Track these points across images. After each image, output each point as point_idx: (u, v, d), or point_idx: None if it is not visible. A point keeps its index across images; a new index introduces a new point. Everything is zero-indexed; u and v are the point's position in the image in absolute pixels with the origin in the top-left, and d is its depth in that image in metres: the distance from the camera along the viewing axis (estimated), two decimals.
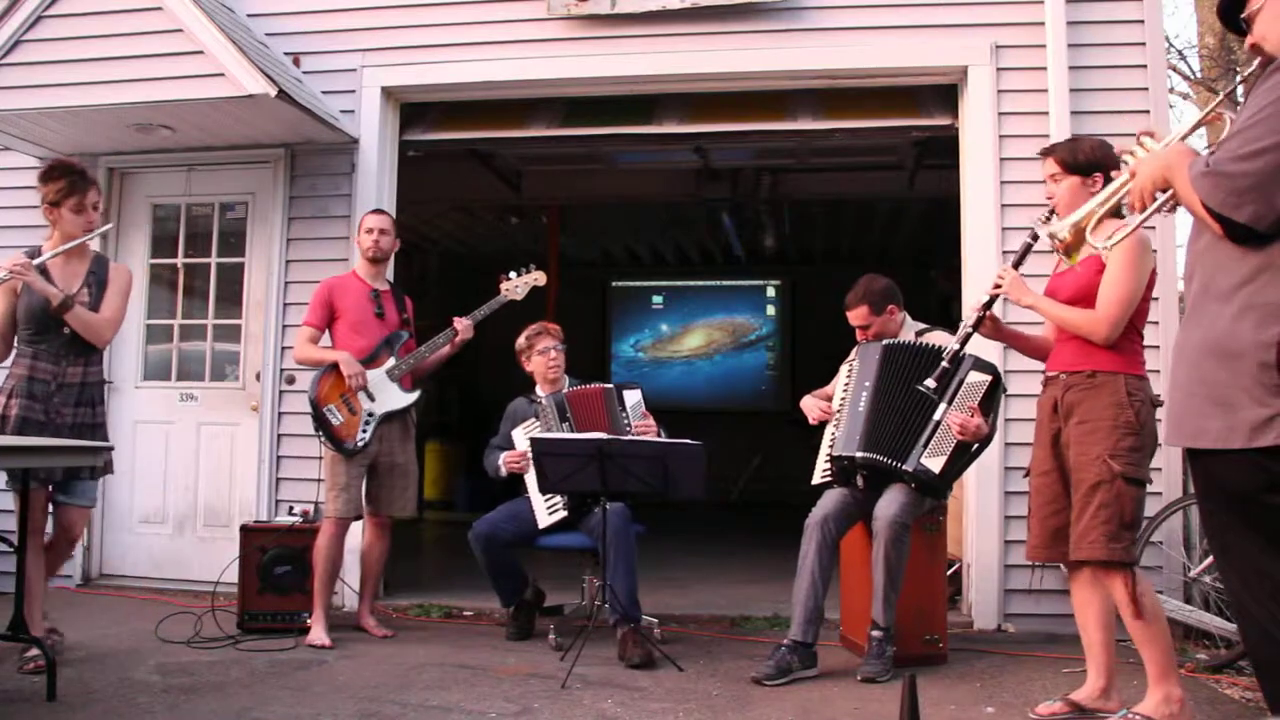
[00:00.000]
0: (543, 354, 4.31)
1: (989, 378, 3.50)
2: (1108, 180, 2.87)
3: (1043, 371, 3.12)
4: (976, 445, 3.53)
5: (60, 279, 3.55)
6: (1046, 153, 3.12)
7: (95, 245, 3.78)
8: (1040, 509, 3.07)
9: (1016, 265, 3.13)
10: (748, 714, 3.11)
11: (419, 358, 4.24)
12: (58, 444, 3.36)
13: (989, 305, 3.20)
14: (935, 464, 3.49)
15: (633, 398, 4.21)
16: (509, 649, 4.01)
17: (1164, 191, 2.17)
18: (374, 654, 3.86)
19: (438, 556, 7.20)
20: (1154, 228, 2.61)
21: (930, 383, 3.36)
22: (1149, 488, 2.97)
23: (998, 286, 3.14)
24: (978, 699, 3.28)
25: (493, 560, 4.07)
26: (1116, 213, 2.68)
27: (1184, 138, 2.24)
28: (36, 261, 3.49)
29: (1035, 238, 3.11)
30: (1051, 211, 3.06)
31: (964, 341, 3.29)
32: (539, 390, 4.35)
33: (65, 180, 3.55)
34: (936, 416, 3.50)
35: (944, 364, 3.35)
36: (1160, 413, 2.86)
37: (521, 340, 4.38)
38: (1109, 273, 2.90)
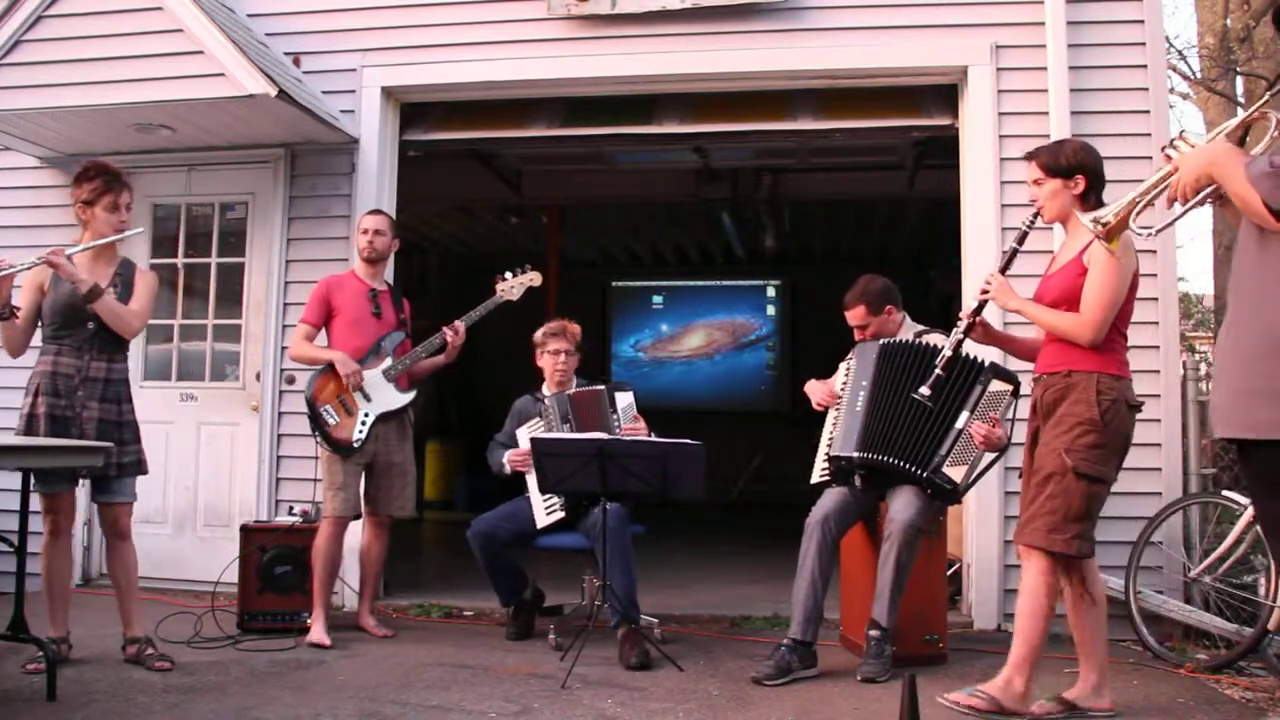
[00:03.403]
0: (553, 354, 4.30)
1: (1010, 387, 3.47)
2: (1090, 182, 2.98)
3: None
4: (994, 455, 3.53)
5: (88, 276, 3.53)
6: (1030, 156, 3.14)
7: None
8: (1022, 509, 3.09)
9: (1004, 270, 3.15)
10: (748, 714, 3.11)
11: (415, 358, 4.25)
12: (58, 444, 3.36)
13: (978, 310, 3.20)
14: (957, 473, 3.49)
15: (624, 400, 4.22)
16: (509, 649, 4.01)
17: (1208, 187, 2.22)
18: (374, 654, 3.86)
19: (438, 556, 7.19)
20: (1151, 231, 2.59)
21: (925, 390, 3.32)
22: (1119, 487, 3.01)
23: (985, 292, 3.14)
24: None
25: (491, 559, 4.08)
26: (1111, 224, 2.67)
27: (1228, 135, 2.32)
28: (67, 253, 3.50)
29: (1021, 242, 3.14)
30: (1036, 213, 3.10)
31: (956, 348, 3.28)
32: (545, 389, 4.35)
33: (100, 180, 3.58)
34: (959, 425, 3.47)
35: (938, 371, 3.31)
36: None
37: (539, 334, 4.37)
38: (1092, 275, 2.91)
